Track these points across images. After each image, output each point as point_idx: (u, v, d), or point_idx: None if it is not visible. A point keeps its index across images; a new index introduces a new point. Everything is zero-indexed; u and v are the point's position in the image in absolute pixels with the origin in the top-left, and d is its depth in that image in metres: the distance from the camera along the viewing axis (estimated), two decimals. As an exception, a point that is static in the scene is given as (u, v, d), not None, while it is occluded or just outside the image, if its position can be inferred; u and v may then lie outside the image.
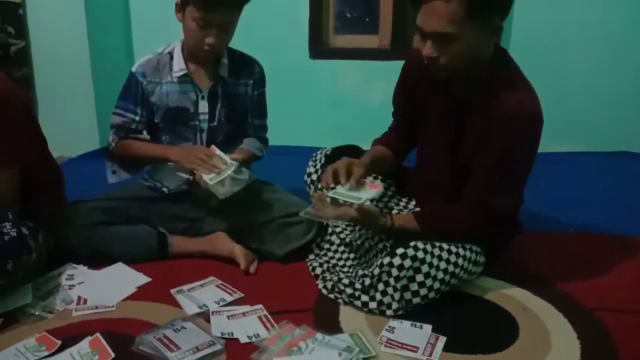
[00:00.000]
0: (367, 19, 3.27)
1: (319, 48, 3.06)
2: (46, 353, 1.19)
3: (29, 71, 2.82)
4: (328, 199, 1.44)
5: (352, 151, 1.77)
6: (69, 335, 1.26)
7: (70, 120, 2.84)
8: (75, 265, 1.59)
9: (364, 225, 1.56)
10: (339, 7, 3.17)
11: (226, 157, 1.59)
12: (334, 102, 3.09)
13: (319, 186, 1.62)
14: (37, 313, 1.35)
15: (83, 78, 2.82)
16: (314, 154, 1.80)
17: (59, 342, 1.23)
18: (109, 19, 2.97)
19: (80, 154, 2.87)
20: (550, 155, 2.64)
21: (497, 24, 1.32)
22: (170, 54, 1.69)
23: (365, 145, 1.81)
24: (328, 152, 1.76)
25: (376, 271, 1.35)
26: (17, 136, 1.42)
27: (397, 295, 1.35)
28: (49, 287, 1.47)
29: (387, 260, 1.34)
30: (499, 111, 1.34)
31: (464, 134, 1.45)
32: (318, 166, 1.74)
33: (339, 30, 3.15)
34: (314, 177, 1.74)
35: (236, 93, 1.76)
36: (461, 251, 1.40)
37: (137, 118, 1.70)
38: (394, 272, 1.33)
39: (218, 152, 1.60)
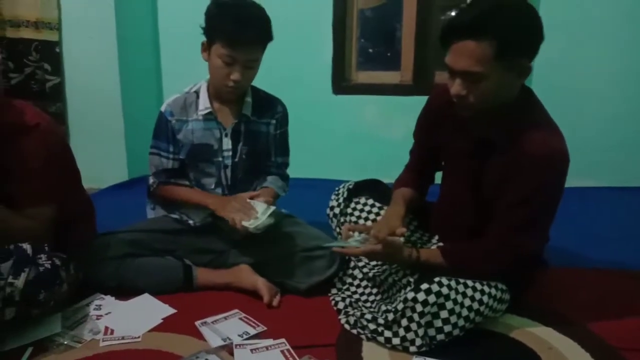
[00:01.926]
0: (389, 54, 3.32)
1: (342, 84, 3.12)
2: (74, 383, 1.22)
3: (62, 106, 2.93)
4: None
5: (374, 185, 1.81)
6: (96, 366, 1.29)
7: (101, 152, 2.93)
8: (103, 296, 1.62)
9: (389, 259, 1.55)
10: (362, 43, 3.23)
11: (262, 205, 1.63)
12: (356, 137, 3.13)
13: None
14: (65, 342, 1.38)
15: (114, 113, 2.92)
16: (337, 188, 1.83)
17: (87, 372, 1.25)
18: (140, 57, 3.09)
19: (110, 186, 2.94)
20: (575, 190, 2.61)
21: (526, 65, 1.32)
22: (197, 93, 1.76)
23: (386, 179, 1.83)
24: (350, 186, 1.78)
25: (400, 306, 1.35)
26: (59, 169, 1.48)
27: (420, 332, 1.33)
28: (78, 317, 1.50)
29: (411, 295, 1.33)
30: (526, 151, 1.35)
31: (487, 171, 1.45)
32: (340, 200, 1.77)
33: (361, 66, 3.20)
34: (337, 210, 1.76)
35: (258, 131, 1.80)
36: (486, 288, 1.39)
37: (171, 156, 1.76)
38: (418, 307, 1.32)
39: (253, 202, 1.65)
